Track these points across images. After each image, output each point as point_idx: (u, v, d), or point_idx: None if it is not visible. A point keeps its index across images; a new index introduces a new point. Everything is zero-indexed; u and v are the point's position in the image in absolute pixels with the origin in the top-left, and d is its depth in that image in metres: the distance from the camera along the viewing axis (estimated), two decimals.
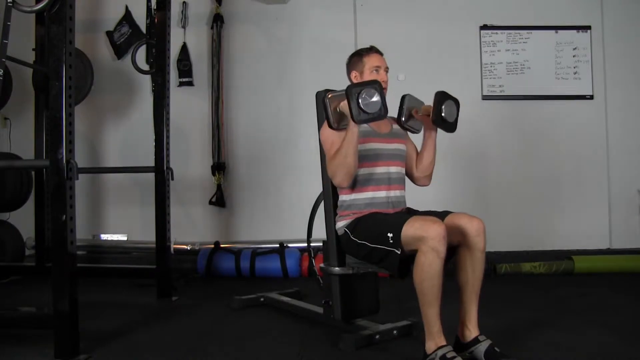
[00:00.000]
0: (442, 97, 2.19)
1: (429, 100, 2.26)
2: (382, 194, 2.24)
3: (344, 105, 2.06)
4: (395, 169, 2.29)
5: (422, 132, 2.38)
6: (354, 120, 2.02)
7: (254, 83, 4.24)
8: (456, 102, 2.25)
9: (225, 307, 2.93)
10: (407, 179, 2.40)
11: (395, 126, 2.39)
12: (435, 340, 1.91)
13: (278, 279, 3.69)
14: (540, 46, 4.15)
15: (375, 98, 2.02)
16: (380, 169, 2.25)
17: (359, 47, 2.42)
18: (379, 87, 2.05)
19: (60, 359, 2.03)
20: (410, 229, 1.92)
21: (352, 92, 2.00)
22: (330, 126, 2.17)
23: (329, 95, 2.14)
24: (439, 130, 2.30)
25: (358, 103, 2.00)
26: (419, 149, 2.42)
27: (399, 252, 1.95)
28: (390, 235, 1.98)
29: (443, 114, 2.18)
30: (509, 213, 4.08)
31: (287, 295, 2.98)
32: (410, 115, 2.34)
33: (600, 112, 4.14)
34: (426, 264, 1.86)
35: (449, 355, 1.87)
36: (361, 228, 2.15)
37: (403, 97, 2.34)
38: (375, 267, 2.20)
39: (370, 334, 2.25)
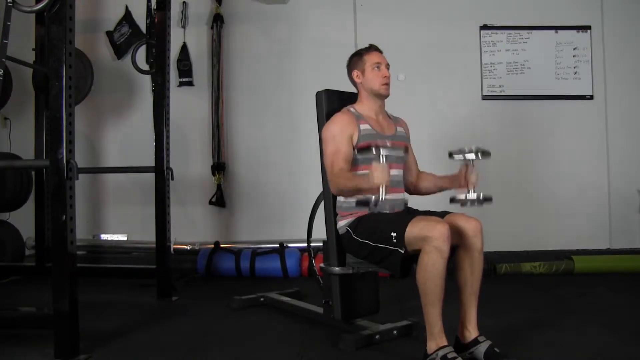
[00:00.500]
0: (484, 202, 2.12)
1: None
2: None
3: (377, 174, 1.93)
4: (397, 172, 2.28)
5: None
6: (366, 202, 1.95)
7: (254, 83, 4.24)
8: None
9: (225, 307, 2.93)
10: None
11: (399, 128, 2.39)
12: (436, 340, 1.91)
13: (278, 279, 3.69)
14: (540, 46, 4.14)
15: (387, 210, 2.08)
16: None
17: (358, 47, 2.42)
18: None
19: (60, 359, 2.03)
20: (415, 229, 1.92)
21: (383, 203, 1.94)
22: (358, 149, 2.17)
23: (384, 152, 1.96)
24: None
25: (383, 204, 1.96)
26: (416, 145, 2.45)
27: (402, 252, 1.95)
28: (394, 234, 1.98)
29: (462, 205, 2.12)
30: (509, 213, 4.06)
31: (287, 295, 2.98)
32: (461, 154, 2.16)
33: (600, 112, 4.14)
34: (430, 263, 1.87)
35: (449, 356, 1.87)
36: (363, 227, 2.15)
37: (484, 150, 2.15)
38: (376, 267, 2.20)
39: (370, 334, 2.25)
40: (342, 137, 2.20)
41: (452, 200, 2.13)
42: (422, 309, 1.93)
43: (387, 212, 2.17)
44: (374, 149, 1.94)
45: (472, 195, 2.12)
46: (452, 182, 2.26)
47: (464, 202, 2.11)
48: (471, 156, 2.13)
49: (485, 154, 2.13)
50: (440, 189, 2.36)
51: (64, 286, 2.04)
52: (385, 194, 1.90)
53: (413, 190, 2.44)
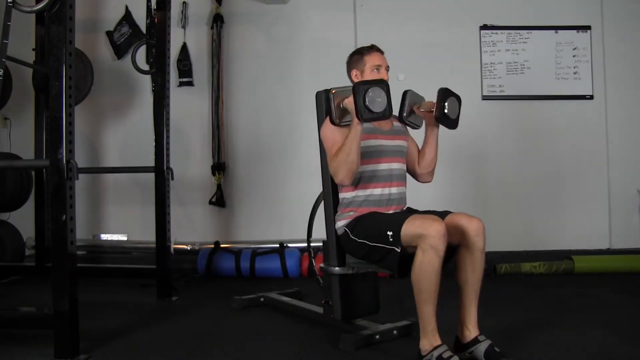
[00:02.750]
0: (445, 93, 2.20)
1: (431, 98, 2.26)
2: (384, 190, 2.23)
3: (348, 102, 2.07)
4: (397, 165, 2.29)
5: (423, 128, 2.39)
6: (358, 118, 2.02)
7: (254, 83, 4.24)
8: (458, 99, 2.26)
9: (225, 307, 2.93)
10: (408, 176, 2.40)
11: (396, 123, 2.39)
12: (429, 339, 1.92)
13: (278, 279, 3.69)
14: (540, 46, 4.14)
15: (382, 98, 2.02)
16: (382, 166, 2.25)
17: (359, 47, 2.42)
18: (386, 87, 2.05)
19: (60, 359, 2.03)
20: (411, 227, 1.92)
21: (360, 89, 2.00)
22: (332, 122, 2.17)
23: (333, 91, 2.14)
24: (440, 127, 2.30)
25: (364, 101, 1.99)
26: (419, 145, 2.43)
27: (398, 250, 1.95)
28: (390, 233, 1.98)
29: (446, 110, 2.20)
30: (509, 213, 4.07)
31: (287, 295, 2.98)
32: (412, 111, 2.34)
33: (600, 112, 4.14)
34: (425, 261, 1.87)
35: (445, 355, 1.87)
36: (361, 227, 2.15)
37: (405, 93, 2.34)
38: (375, 267, 2.20)
39: (370, 334, 2.25)
40: (341, 134, 2.20)
41: (439, 120, 2.23)
42: (416, 306, 1.93)
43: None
44: (330, 95, 2.13)
45: (435, 102, 2.21)
46: (427, 124, 2.34)
47: (441, 111, 2.19)
48: (408, 107, 2.33)
49: (414, 95, 2.34)
50: (431, 142, 2.34)
51: (64, 286, 2.04)
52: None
53: (423, 170, 2.40)
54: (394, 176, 2.27)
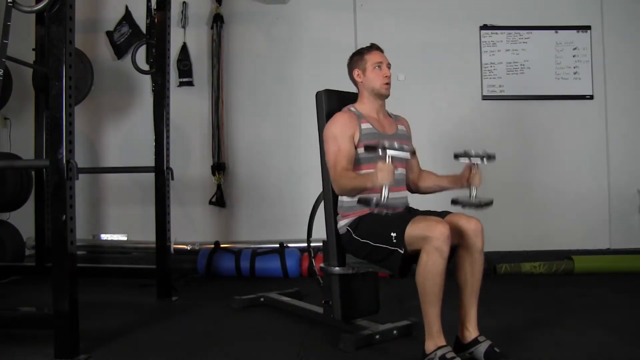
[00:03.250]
0: (484, 207, 2.13)
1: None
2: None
3: (383, 173, 1.92)
4: (399, 170, 2.28)
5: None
6: (368, 201, 1.93)
7: (254, 83, 4.23)
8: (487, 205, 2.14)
9: (225, 307, 2.93)
10: None
11: (400, 126, 2.39)
12: (434, 340, 1.92)
13: (278, 279, 3.69)
14: (540, 46, 4.14)
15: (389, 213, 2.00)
16: None
17: (359, 47, 2.42)
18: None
19: (60, 359, 2.03)
20: (415, 229, 1.92)
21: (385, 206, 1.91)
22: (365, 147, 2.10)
23: (390, 153, 1.93)
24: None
25: (379, 201, 1.89)
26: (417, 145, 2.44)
27: (402, 252, 1.95)
28: (394, 235, 1.98)
29: (463, 206, 2.13)
30: (509, 213, 4.06)
31: (287, 295, 2.98)
32: (465, 156, 2.18)
33: (600, 112, 4.14)
34: (429, 263, 1.87)
35: (448, 356, 1.87)
36: (364, 227, 2.15)
37: (490, 154, 2.17)
38: (376, 267, 2.20)
39: (370, 334, 2.25)
40: (344, 137, 2.20)
41: (454, 201, 2.13)
42: (421, 308, 1.93)
43: (390, 212, 2.13)
44: (380, 150, 1.92)
45: (474, 199, 2.13)
46: (455, 182, 2.26)
47: (465, 204, 2.12)
48: (477, 160, 2.14)
49: (491, 158, 2.14)
50: (442, 189, 2.35)
51: (64, 286, 2.04)
52: (388, 194, 1.89)
53: (414, 188, 2.44)
54: (395, 181, 2.25)
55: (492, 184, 4.08)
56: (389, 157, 1.92)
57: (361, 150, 2.21)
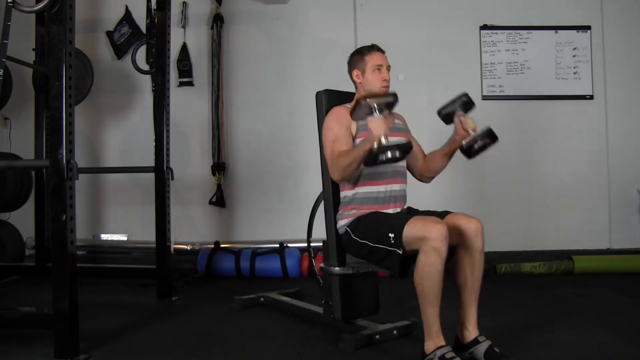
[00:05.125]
0: (490, 136, 2.14)
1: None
2: (385, 187, 2.23)
3: (374, 128, 1.95)
4: (398, 163, 2.28)
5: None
6: (373, 159, 1.95)
7: (254, 83, 4.24)
8: (493, 141, 2.18)
9: (225, 307, 2.93)
10: (407, 173, 2.40)
11: (398, 121, 2.40)
12: (434, 340, 1.91)
13: (278, 279, 3.69)
14: (540, 46, 4.14)
15: (397, 155, 1.95)
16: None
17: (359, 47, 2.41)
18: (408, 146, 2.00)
19: (60, 359, 2.03)
20: (412, 229, 1.92)
21: (388, 149, 1.92)
22: (351, 114, 2.08)
23: (373, 103, 1.97)
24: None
25: (389, 149, 1.91)
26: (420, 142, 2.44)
27: (400, 252, 1.95)
28: (391, 235, 1.98)
29: (475, 147, 2.14)
30: (509, 213, 4.07)
31: (287, 295, 2.98)
32: (451, 114, 2.22)
33: (600, 112, 4.14)
34: (427, 264, 1.86)
35: (447, 356, 1.87)
36: (362, 227, 2.15)
37: (463, 95, 2.22)
38: (375, 267, 2.20)
39: (370, 334, 2.25)
40: (341, 126, 2.21)
41: (462, 149, 2.15)
42: (420, 309, 1.93)
43: (397, 156, 1.99)
44: (362, 101, 1.94)
45: (477, 134, 2.13)
46: (454, 141, 2.23)
47: (471, 145, 2.12)
48: (456, 109, 2.20)
49: (469, 104, 2.19)
50: (449, 155, 2.29)
51: (64, 286, 2.05)
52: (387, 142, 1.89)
53: (426, 173, 2.39)
54: (394, 173, 2.26)
55: (492, 183, 4.15)
56: (375, 108, 1.94)
57: (358, 140, 2.20)
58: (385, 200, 2.23)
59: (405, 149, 1.97)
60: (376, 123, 1.94)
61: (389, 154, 1.92)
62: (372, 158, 1.93)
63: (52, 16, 2.06)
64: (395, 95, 2.02)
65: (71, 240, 2.07)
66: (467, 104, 2.22)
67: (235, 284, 3.58)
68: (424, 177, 2.42)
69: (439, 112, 2.25)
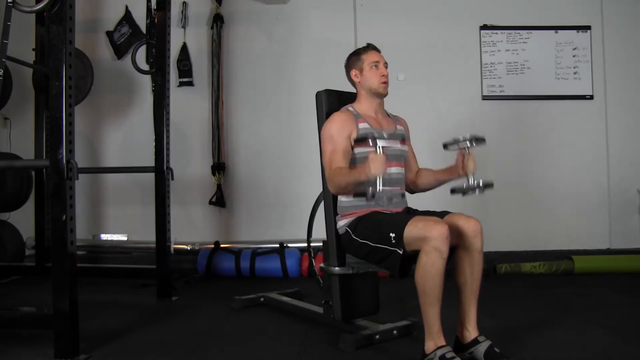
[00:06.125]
0: (487, 187, 2.11)
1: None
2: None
3: (372, 168, 1.91)
4: (397, 170, 2.29)
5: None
6: (362, 191, 1.92)
7: (254, 83, 4.24)
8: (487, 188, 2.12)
9: (225, 307, 2.93)
10: None
11: (399, 127, 2.39)
12: (434, 340, 1.91)
13: (278, 279, 3.69)
14: (540, 46, 4.15)
15: (385, 203, 2.05)
16: None
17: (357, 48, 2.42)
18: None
19: (60, 359, 2.03)
20: (413, 229, 1.92)
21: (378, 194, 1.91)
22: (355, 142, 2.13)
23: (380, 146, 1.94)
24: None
25: (378, 195, 1.90)
26: (415, 146, 2.45)
27: (401, 252, 1.95)
28: (392, 235, 1.98)
29: (467, 194, 2.11)
30: (508, 213, 4.07)
31: (287, 295, 2.98)
32: (454, 144, 2.14)
33: (600, 112, 4.14)
34: (428, 264, 1.86)
35: (448, 356, 1.87)
36: (363, 227, 2.15)
37: (474, 140, 2.10)
38: (375, 267, 2.20)
39: (370, 334, 2.24)
40: (341, 136, 2.20)
41: (453, 190, 2.12)
42: (421, 309, 1.93)
43: (385, 204, 2.14)
44: (370, 140, 1.92)
45: (472, 183, 2.09)
46: (451, 172, 2.22)
47: (465, 191, 2.10)
48: (465, 144, 2.11)
49: (480, 140, 2.11)
50: (440, 182, 2.32)
51: (64, 286, 2.05)
52: (382, 185, 1.89)
53: (414, 187, 2.42)
54: (393, 180, 2.26)
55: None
56: (379, 147, 1.92)
57: (358, 150, 2.21)
58: (384, 206, 2.22)
59: (392, 197, 2.10)
60: (377, 162, 1.91)
61: (378, 200, 2.01)
62: (363, 195, 1.92)
63: (52, 16, 2.06)
64: (412, 154, 2.07)
65: (71, 240, 2.07)
66: (477, 139, 2.13)
67: (235, 284, 3.59)
68: (415, 189, 2.43)
69: (445, 146, 2.19)
